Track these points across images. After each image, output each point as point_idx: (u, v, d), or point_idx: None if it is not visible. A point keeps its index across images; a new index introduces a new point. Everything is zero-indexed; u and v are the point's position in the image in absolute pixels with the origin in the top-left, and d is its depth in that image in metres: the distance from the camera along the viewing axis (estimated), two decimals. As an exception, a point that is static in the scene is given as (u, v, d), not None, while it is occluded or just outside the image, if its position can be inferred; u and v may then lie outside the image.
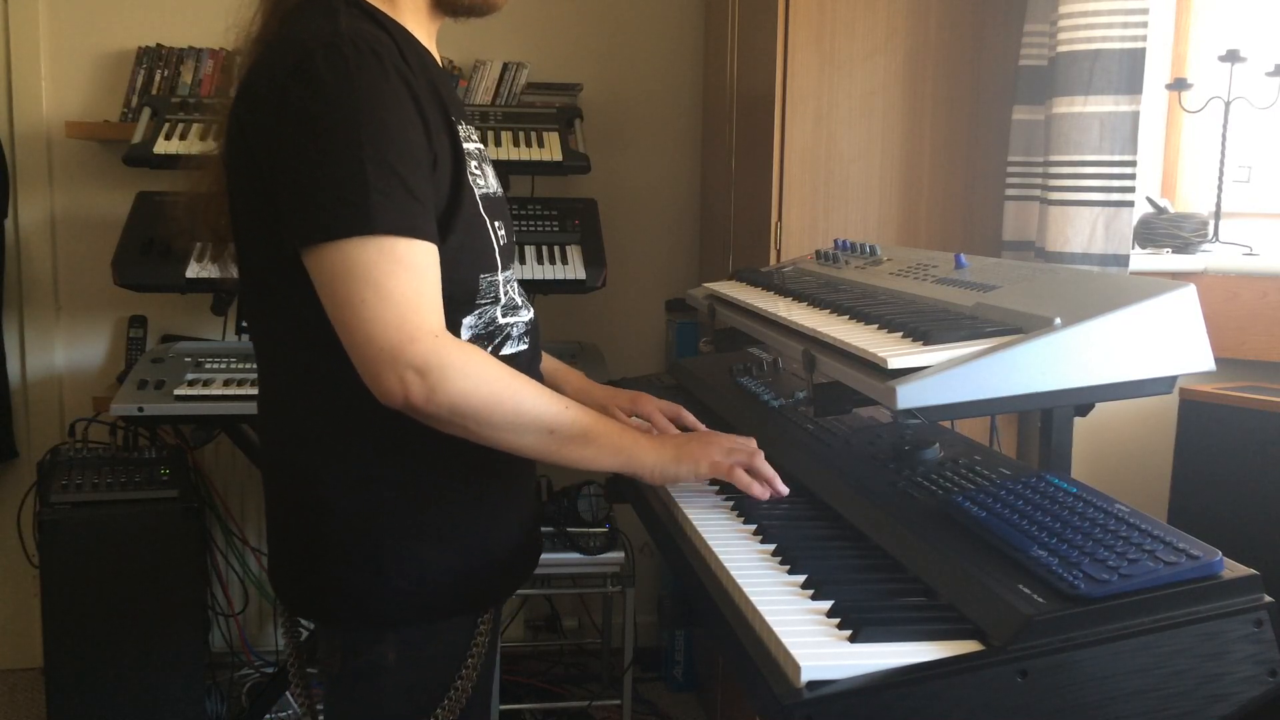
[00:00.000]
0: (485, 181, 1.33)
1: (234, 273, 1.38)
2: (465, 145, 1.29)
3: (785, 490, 1.39)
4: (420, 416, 1.17)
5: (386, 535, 1.27)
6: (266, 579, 1.42)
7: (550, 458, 1.25)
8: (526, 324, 1.38)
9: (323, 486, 1.27)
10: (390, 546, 1.27)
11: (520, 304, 1.37)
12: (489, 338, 1.31)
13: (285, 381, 1.31)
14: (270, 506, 1.38)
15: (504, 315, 1.33)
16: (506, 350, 1.34)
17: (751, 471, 1.37)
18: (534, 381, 1.24)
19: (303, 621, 1.45)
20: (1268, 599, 0.99)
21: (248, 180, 1.24)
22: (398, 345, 1.13)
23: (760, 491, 1.37)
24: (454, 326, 1.26)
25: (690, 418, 1.62)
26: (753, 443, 1.40)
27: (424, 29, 1.36)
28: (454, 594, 1.31)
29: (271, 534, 1.38)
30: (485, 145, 2.76)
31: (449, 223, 1.23)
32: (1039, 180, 2.35)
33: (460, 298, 1.26)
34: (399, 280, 1.14)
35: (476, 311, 1.29)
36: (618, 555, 2.70)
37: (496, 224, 1.32)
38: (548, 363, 1.58)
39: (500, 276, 1.32)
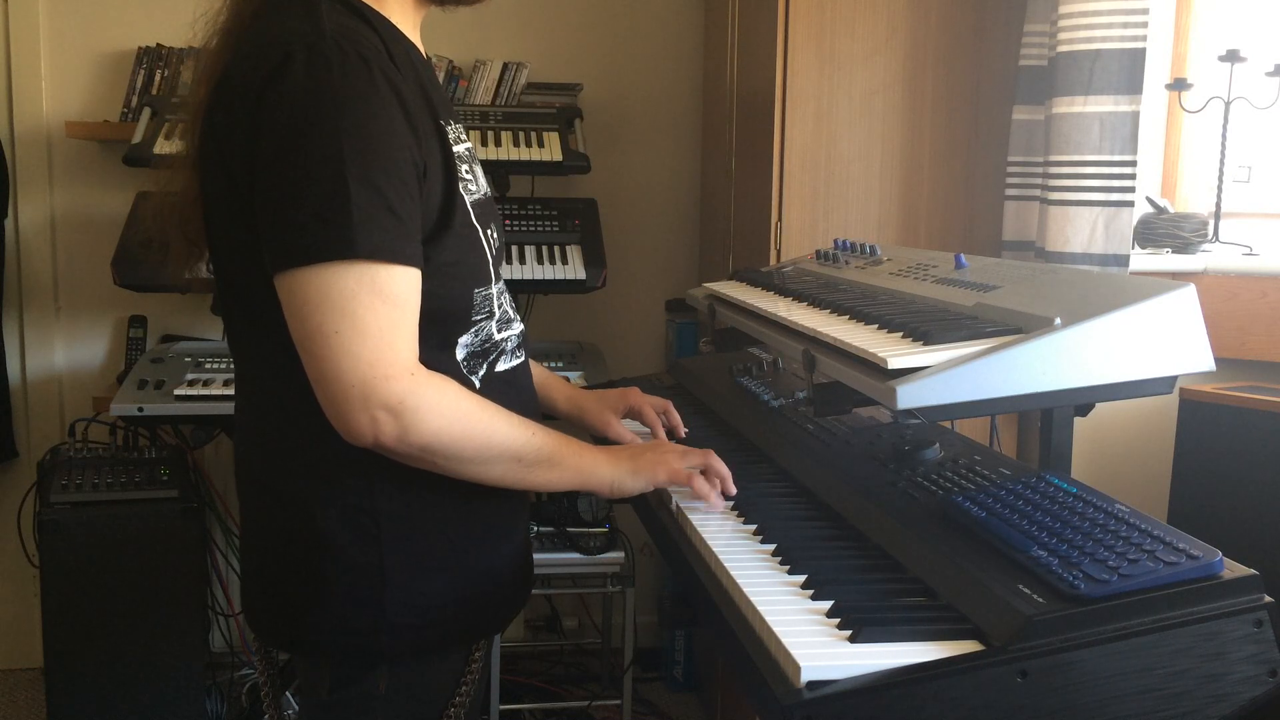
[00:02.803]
0: (476, 185, 1.27)
1: (205, 273, 1.30)
2: (455, 148, 1.23)
3: (733, 490, 1.39)
4: (388, 454, 1.13)
5: (389, 569, 1.21)
6: (247, 612, 1.34)
7: (516, 485, 1.23)
8: (519, 336, 1.34)
9: (318, 519, 1.20)
10: (393, 581, 1.21)
11: (512, 316, 1.32)
12: (484, 355, 1.26)
13: (274, 404, 1.23)
14: (250, 535, 1.30)
15: (499, 330, 1.28)
16: (502, 365, 1.29)
17: (708, 472, 1.37)
18: (501, 410, 1.20)
19: None
20: (1268, 599, 0.99)
21: (222, 187, 1.17)
22: (370, 382, 1.08)
23: (718, 501, 1.37)
24: (450, 346, 1.22)
25: (675, 416, 1.62)
26: (704, 450, 1.40)
27: (409, 20, 1.27)
28: (454, 625, 1.27)
29: (251, 564, 1.31)
30: (485, 145, 2.78)
31: (441, 237, 1.18)
32: (1039, 180, 2.35)
33: (455, 314, 1.22)
34: (376, 312, 1.08)
35: (473, 329, 1.24)
36: (618, 555, 2.69)
37: (489, 230, 1.27)
38: (536, 371, 1.53)
39: (494, 289, 1.26)
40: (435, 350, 1.20)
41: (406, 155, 1.12)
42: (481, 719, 2.65)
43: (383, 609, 1.21)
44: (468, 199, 1.23)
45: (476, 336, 1.25)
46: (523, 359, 1.35)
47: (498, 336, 1.28)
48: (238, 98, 1.13)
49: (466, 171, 1.25)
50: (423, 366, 1.13)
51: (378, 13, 1.23)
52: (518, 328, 1.34)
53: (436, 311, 1.17)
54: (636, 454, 1.35)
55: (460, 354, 1.23)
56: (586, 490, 1.30)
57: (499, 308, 1.28)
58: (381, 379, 1.08)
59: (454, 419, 1.14)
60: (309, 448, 1.20)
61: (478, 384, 1.25)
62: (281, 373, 1.17)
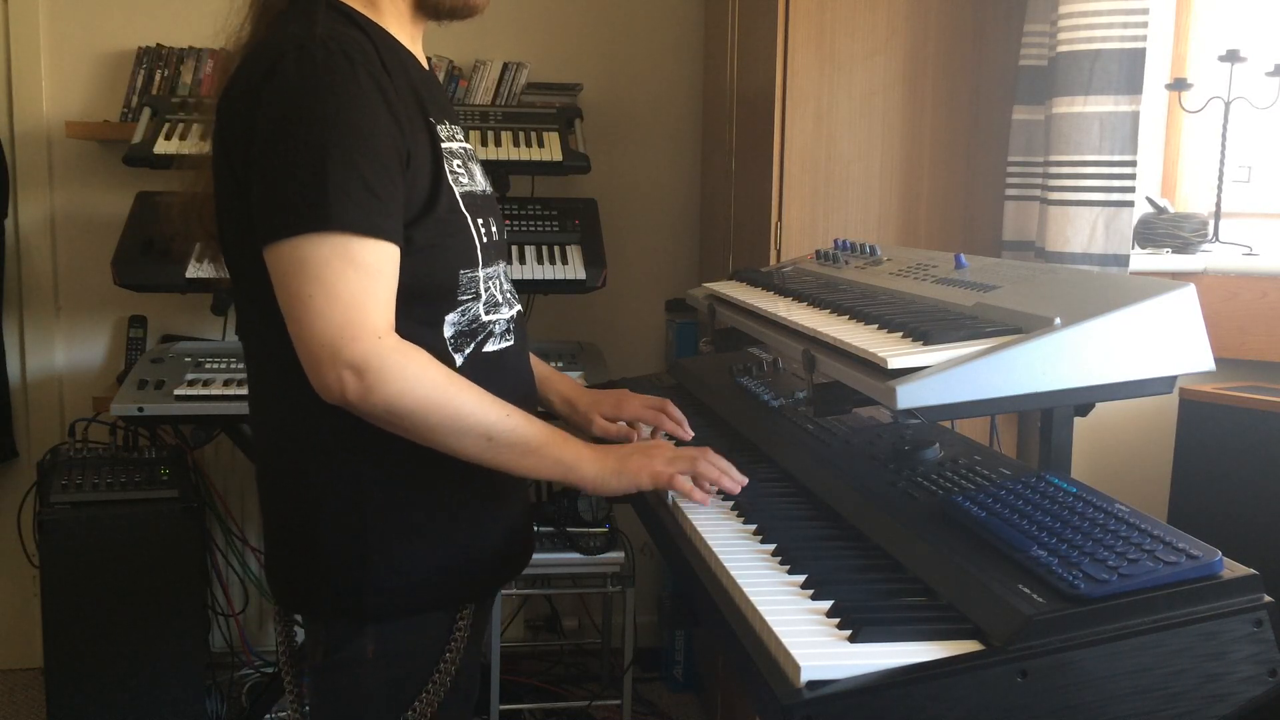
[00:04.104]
0: (469, 180, 1.34)
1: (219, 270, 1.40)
2: (446, 144, 1.31)
3: (744, 480, 1.40)
4: (358, 414, 1.20)
5: (373, 533, 1.29)
6: (265, 578, 1.46)
7: (490, 464, 1.26)
8: (509, 320, 1.39)
9: (310, 485, 1.30)
10: (377, 544, 1.29)
11: (502, 300, 1.38)
12: (472, 335, 1.33)
13: (272, 381, 1.33)
14: (263, 504, 1.40)
15: (487, 313, 1.34)
16: (490, 347, 1.35)
17: (698, 476, 1.38)
18: (475, 387, 1.24)
19: (298, 620, 1.46)
20: (1268, 599, 0.99)
21: (227, 183, 1.26)
22: (338, 343, 1.15)
23: (702, 497, 1.38)
24: (437, 323, 1.29)
25: (675, 412, 1.62)
26: (697, 451, 1.40)
27: (406, 31, 1.37)
28: (437, 590, 1.33)
29: (265, 531, 1.41)
30: (485, 145, 2.78)
31: (423, 219, 1.25)
32: (1039, 180, 2.35)
33: (439, 293, 1.28)
34: (348, 279, 1.16)
35: (460, 308, 1.31)
36: (618, 555, 2.70)
37: (480, 221, 1.33)
38: (538, 367, 1.59)
39: (481, 273, 1.33)
40: (423, 326, 1.27)
41: (388, 142, 1.21)
42: (480, 718, 2.65)
43: (367, 571, 1.29)
44: (457, 190, 1.30)
45: (463, 316, 1.31)
46: (513, 343, 1.40)
47: (485, 318, 1.34)
48: (240, 99, 1.24)
49: (459, 166, 1.33)
50: (394, 334, 1.20)
51: (373, 22, 1.32)
52: (508, 312, 1.39)
53: (419, 288, 1.25)
54: (625, 454, 1.36)
55: (448, 331, 1.30)
56: (567, 484, 1.33)
57: (485, 291, 1.34)
58: (349, 340, 1.16)
59: (417, 384, 1.19)
60: (301, 422, 1.29)
61: (460, 361, 1.31)
62: (276, 353, 1.26)
